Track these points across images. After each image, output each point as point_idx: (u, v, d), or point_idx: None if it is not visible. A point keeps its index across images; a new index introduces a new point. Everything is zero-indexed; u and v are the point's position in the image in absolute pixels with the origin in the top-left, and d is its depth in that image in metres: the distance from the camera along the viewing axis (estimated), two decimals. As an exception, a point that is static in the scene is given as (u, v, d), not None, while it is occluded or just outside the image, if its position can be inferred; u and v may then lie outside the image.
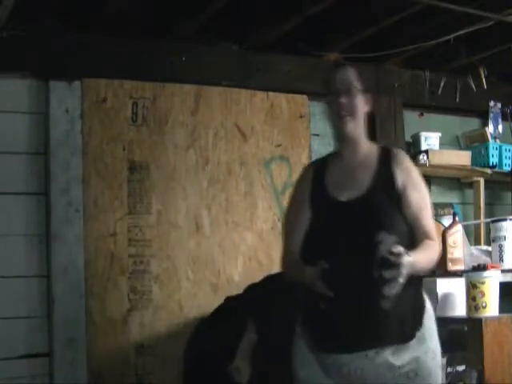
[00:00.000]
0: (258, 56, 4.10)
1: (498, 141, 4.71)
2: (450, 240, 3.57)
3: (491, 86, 4.69)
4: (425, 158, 4.35)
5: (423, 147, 4.44)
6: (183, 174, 3.89)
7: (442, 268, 3.61)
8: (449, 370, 3.45)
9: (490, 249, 3.80)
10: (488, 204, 4.74)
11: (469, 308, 3.25)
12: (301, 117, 4.18)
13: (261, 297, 3.10)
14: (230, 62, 4.04)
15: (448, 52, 4.28)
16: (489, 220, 4.12)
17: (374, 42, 4.14)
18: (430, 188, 4.61)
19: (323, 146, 4.10)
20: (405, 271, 2.18)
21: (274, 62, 4.13)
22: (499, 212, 4.72)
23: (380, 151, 2.54)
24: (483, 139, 4.69)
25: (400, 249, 2.19)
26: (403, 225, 2.41)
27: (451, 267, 3.56)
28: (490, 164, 4.59)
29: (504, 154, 4.63)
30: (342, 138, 2.55)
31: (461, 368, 3.39)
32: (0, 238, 3.52)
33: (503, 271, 3.47)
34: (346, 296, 2.29)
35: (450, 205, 4.60)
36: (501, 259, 3.64)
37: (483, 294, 3.19)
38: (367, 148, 2.55)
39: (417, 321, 2.41)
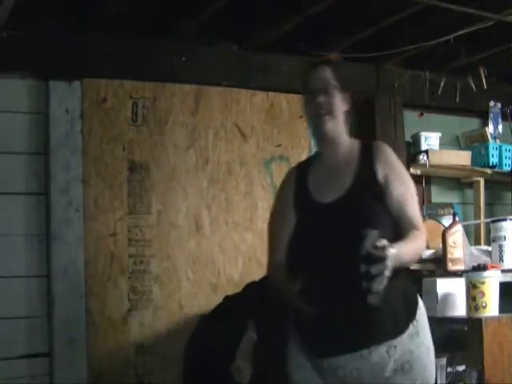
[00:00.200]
0: (258, 56, 4.10)
1: (498, 141, 4.71)
2: (449, 240, 3.58)
3: (491, 86, 4.69)
4: (425, 157, 4.36)
5: (423, 147, 4.44)
6: (183, 174, 3.89)
7: (442, 268, 3.61)
8: (449, 370, 3.46)
9: (490, 249, 3.80)
10: (488, 204, 4.74)
11: (469, 308, 3.25)
12: (301, 117, 4.17)
13: (260, 296, 3.09)
14: (230, 62, 4.04)
15: (448, 52, 4.28)
16: (489, 220, 4.12)
17: (373, 42, 4.14)
18: (430, 188, 4.65)
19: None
20: (390, 264, 2.14)
21: (274, 62, 4.13)
22: (499, 212, 4.72)
23: (361, 147, 2.52)
24: (483, 139, 4.69)
25: (384, 242, 2.15)
26: (388, 218, 2.39)
27: (451, 267, 3.56)
28: (490, 164, 4.59)
29: (504, 153, 4.63)
30: (321, 137, 2.53)
31: (461, 368, 3.39)
32: (0, 238, 3.52)
33: (503, 271, 3.47)
34: (330, 303, 2.27)
35: (450, 205, 4.60)
36: (501, 259, 3.64)
37: (483, 294, 3.19)
38: (349, 146, 2.54)
39: (410, 313, 2.39)
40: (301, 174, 2.59)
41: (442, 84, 4.56)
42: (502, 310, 3.26)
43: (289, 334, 2.51)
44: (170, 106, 3.88)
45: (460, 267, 3.55)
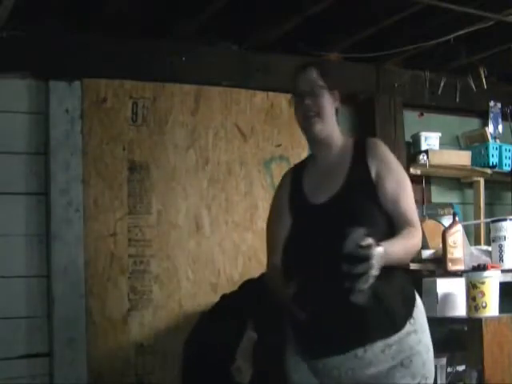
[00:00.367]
0: (258, 56, 4.10)
1: (498, 141, 4.71)
2: (449, 240, 3.58)
3: (491, 86, 4.69)
4: (425, 157, 4.36)
5: (423, 147, 4.44)
6: (183, 174, 3.89)
7: (442, 268, 3.61)
8: (449, 370, 3.46)
9: (490, 249, 3.80)
10: (488, 204, 4.74)
11: (469, 308, 3.26)
12: (301, 117, 4.17)
13: (258, 294, 3.09)
14: (230, 61, 4.04)
15: (448, 52, 4.28)
16: (489, 220, 4.13)
17: (374, 42, 4.14)
18: (430, 188, 4.65)
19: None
20: (376, 262, 2.12)
21: (274, 62, 4.12)
22: (499, 212, 4.72)
23: (355, 145, 2.51)
24: (483, 139, 4.69)
25: (369, 241, 2.13)
26: (380, 216, 2.37)
27: (451, 267, 3.56)
28: (490, 164, 4.59)
29: (504, 153, 4.63)
30: (312, 139, 2.55)
31: (461, 368, 3.40)
32: (0, 238, 3.52)
33: (503, 271, 3.48)
34: (322, 304, 2.28)
35: (450, 205, 4.60)
36: (501, 259, 3.64)
37: (483, 294, 3.20)
38: (342, 144, 2.53)
39: (406, 311, 2.37)
40: (296, 175, 2.60)
41: (441, 84, 4.56)
42: (502, 310, 3.27)
43: (287, 333, 2.51)
44: (170, 106, 3.88)
45: (460, 267, 3.55)
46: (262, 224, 3.98)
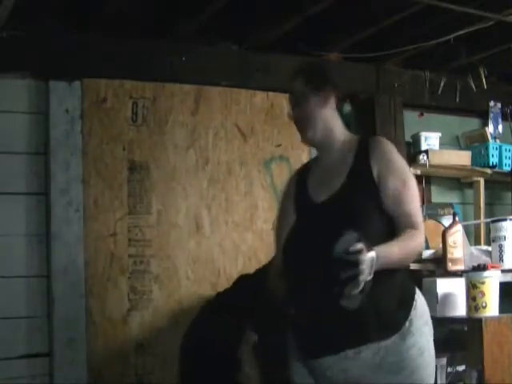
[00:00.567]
0: (258, 56, 4.10)
1: (498, 141, 4.71)
2: (449, 240, 3.57)
3: (491, 86, 4.69)
4: (425, 157, 4.35)
5: (423, 147, 4.44)
6: (183, 174, 3.89)
7: (442, 268, 3.61)
8: (449, 370, 3.46)
9: (490, 249, 3.80)
10: (488, 204, 4.74)
11: (469, 308, 3.25)
12: (301, 117, 4.17)
13: (254, 290, 3.08)
14: (229, 62, 4.04)
15: (448, 52, 4.28)
16: (489, 220, 4.12)
17: (374, 42, 4.14)
18: (430, 188, 4.65)
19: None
20: (366, 268, 2.10)
21: (274, 62, 4.12)
22: (499, 212, 4.72)
23: (359, 143, 2.48)
24: (483, 139, 4.69)
25: (358, 246, 2.11)
26: (381, 217, 2.34)
27: (451, 267, 3.56)
28: (490, 164, 4.59)
29: (504, 153, 4.63)
30: (309, 144, 2.62)
31: (461, 368, 3.40)
32: (0, 238, 3.52)
33: (503, 271, 3.47)
34: (315, 304, 2.28)
35: (450, 205, 4.60)
36: (501, 259, 3.64)
37: (483, 294, 3.20)
38: (346, 142, 2.50)
39: (401, 314, 2.34)
40: (302, 175, 2.60)
41: (442, 84, 4.56)
42: (502, 310, 3.26)
43: (287, 333, 2.52)
44: (169, 106, 3.88)
45: (460, 267, 3.55)
46: (261, 224, 3.99)
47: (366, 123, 4.36)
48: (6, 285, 3.50)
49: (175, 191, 3.86)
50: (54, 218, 3.59)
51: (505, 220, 3.73)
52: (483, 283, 3.20)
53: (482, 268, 3.27)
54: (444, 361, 3.48)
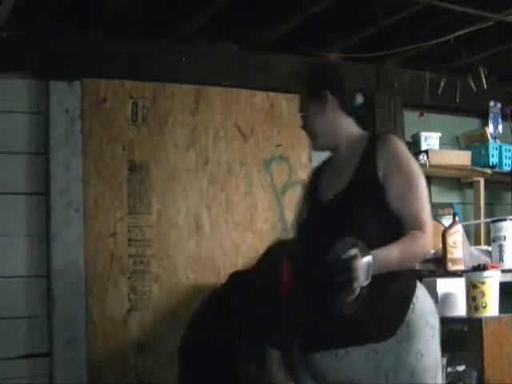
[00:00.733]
0: (258, 56, 4.10)
1: (498, 141, 4.71)
2: (449, 240, 3.57)
3: (491, 86, 4.69)
4: (425, 158, 4.35)
5: (423, 147, 4.44)
6: (183, 174, 3.89)
7: (442, 268, 3.61)
8: (449, 370, 3.46)
9: (490, 249, 3.80)
10: (488, 204, 4.74)
11: (469, 308, 3.25)
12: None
13: (248, 287, 3.06)
14: (229, 61, 4.04)
15: (448, 52, 4.28)
16: (489, 220, 4.12)
17: (373, 42, 4.14)
18: (430, 188, 4.64)
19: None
20: (359, 274, 2.10)
21: (274, 62, 4.12)
22: (499, 212, 4.72)
23: (368, 141, 2.45)
24: (483, 139, 4.69)
25: (352, 252, 2.11)
26: (385, 217, 2.32)
27: (451, 267, 3.55)
28: (490, 164, 4.59)
29: (504, 153, 4.63)
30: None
31: (461, 368, 3.39)
32: (0, 238, 3.52)
33: (503, 271, 3.47)
34: (311, 301, 2.30)
35: (450, 205, 4.60)
36: (501, 259, 3.64)
37: (483, 294, 3.19)
38: (355, 140, 2.49)
39: (397, 318, 2.30)
40: (316, 174, 2.61)
41: (442, 84, 4.56)
42: (502, 310, 3.26)
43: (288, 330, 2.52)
44: (170, 106, 3.88)
45: (460, 267, 3.55)
46: (261, 224, 3.99)
47: (366, 123, 4.36)
48: (6, 285, 3.50)
49: (175, 191, 3.86)
50: (54, 217, 3.59)
51: (505, 220, 3.72)
52: (483, 283, 3.20)
53: (482, 268, 3.27)
54: (444, 361, 3.48)
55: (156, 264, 3.77)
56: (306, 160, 4.14)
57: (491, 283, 3.22)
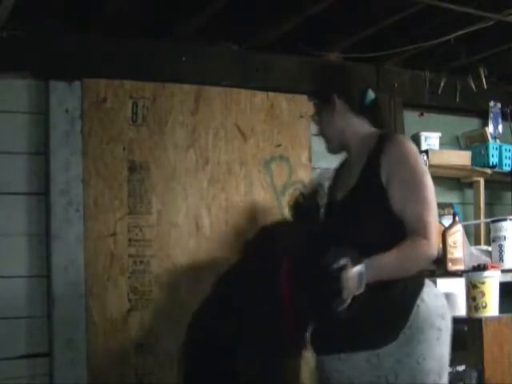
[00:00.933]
0: (258, 56, 4.10)
1: (498, 141, 4.71)
2: (450, 240, 3.58)
3: (491, 86, 4.69)
4: (425, 158, 4.35)
5: (423, 147, 4.44)
6: (183, 174, 3.89)
7: (442, 268, 3.61)
8: (449, 369, 3.46)
9: (490, 249, 3.80)
10: (488, 204, 4.74)
11: (469, 308, 3.25)
12: (301, 117, 4.18)
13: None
14: (229, 61, 4.04)
15: (448, 52, 4.28)
16: (489, 220, 4.12)
17: (374, 42, 4.14)
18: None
19: (323, 146, 4.09)
20: (349, 285, 2.12)
21: (274, 62, 4.12)
22: (499, 212, 4.72)
23: (377, 141, 2.43)
24: (483, 139, 4.69)
25: (341, 262, 2.13)
26: (387, 221, 2.30)
27: (451, 267, 3.56)
28: (490, 164, 4.59)
29: (504, 153, 4.63)
30: None
31: (461, 368, 3.39)
32: (0, 238, 3.52)
33: (503, 271, 3.47)
34: (308, 301, 2.30)
35: (450, 205, 4.60)
36: (501, 259, 3.64)
37: (483, 294, 3.20)
38: (361, 142, 2.47)
39: (399, 323, 2.28)
40: (334, 175, 2.64)
41: (442, 84, 4.56)
42: (502, 310, 3.26)
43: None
44: (170, 106, 3.88)
45: (460, 267, 3.55)
46: (261, 224, 3.98)
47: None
48: (6, 285, 3.50)
49: (175, 191, 3.86)
50: (54, 217, 3.59)
51: (505, 220, 3.73)
52: (483, 283, 3.20)
53: (482, 268, 3.27)
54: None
55: (156, 264, 3.77)
56: (306, 160, 4.14)
57: (491, 283, 3.22)
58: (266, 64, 4.11)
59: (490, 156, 4.58)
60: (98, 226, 3.67)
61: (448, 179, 4.72)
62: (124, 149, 3.77)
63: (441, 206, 4.58)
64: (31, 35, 3.56)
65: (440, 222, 4.16)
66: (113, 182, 3.72)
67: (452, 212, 4.03)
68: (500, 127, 4.78)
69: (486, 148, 4.60)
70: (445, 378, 2.36)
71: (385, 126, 2.53)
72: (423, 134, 4.48)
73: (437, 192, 4.87)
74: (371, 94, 2.54)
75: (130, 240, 3.73)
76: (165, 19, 3.78)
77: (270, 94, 4.13)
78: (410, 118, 4.57)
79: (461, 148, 4.77)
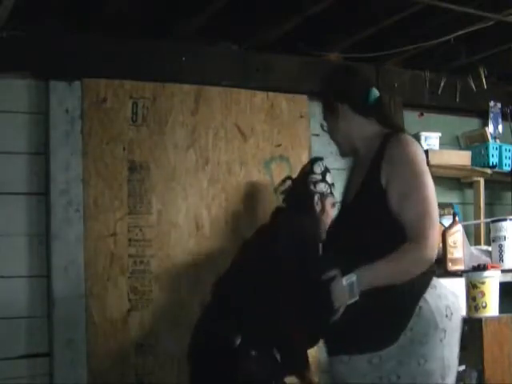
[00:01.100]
0: (258, 56, 4.10)
1: (498, 141, 4.71)
2: (450, 240, 3.58)
3: (491, 86, 4.69)
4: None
5: (423, 147, 4.42)
6: (183, 174, 3.89)
7: (442, 268, 3.61)
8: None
9: (490, 249, 3.80)
10: (488, 204, 4.74)
11: (469, 308, 3.25)
12: (301, 117, 4.18)
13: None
14: (230, 61, 4.04)
15: (448, 52, 4.28)
16: (489, 220, 4.12)
17: (373, 42, 4.14)
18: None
19: (323, 146, 4.09)
20: (339, 296, 2.17)
21: (274, 62, 4.13)
22: (499, 212, 4.72)
23: (381, 141, 2.40)
24: (483, 139, 4.69)
25: (331, 273, 2.17)
26: (384, 225, 2.28)
27: (451, 267, 3.56)
28: (490, 164, 4.59)
29: (504, 153, 4.63)
30: None
31: (461, 368, 3.39)
32: (0, 238, 3.52)
33: (503, 271, 3.47)
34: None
35: (450, 205, 4.60)
36: (501, 259, 3.64)
37: (483, 294, 3.20)
38: (368, 143, 2.45)
39: (399, 325, 2.26)
40: (348, 176, 2.64)
41: (442, 84, 4.56)
42: (502, 310, 3.27)
43: None
44: (170, 106, 3.88)
45: (460, 267, 3.55)
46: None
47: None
48: (6, 285, 3.50)
49: (175, 191, 3.86)
50: (54, 217, 3.59)
51: (505, 220, 3.73)
52: (483, 283, 3.21)
53: (482, 268, 3.28)
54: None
55: (156, 264, 3.77)
56: (305, 160, 4.13)
57: (491, 283, 3.22)
58: (266, 64, 4.11)
59: (490, 156, 4.57)
60: (98, 226, 3.67)
61: (448, 179, 4.72)
62: (124, 149, 3.77)
63: (441, 205, 4.55)
64: (31, 35, 3.56)
65: (440, 222, 4.16)
66: (113, 182, 3.73)
67: (452, 212, 4.03)
68: (500, 127, 4.78)
69: (486, 148, 4.60)
70: (450, 379, 2.34)
71: (394, 125, 2.50)
72: (423, 134, 4.48)
73: (437, 192, 4.86)
74: (375, 92, 2.53)
75: (129, 240, 3.73)
76: (165, 19, 3.78)
77: (270, 93, 4.13)
78: (410, 118, 4.57)
79: (461, 148, 4.77)
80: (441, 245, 3.64)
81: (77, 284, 3.59)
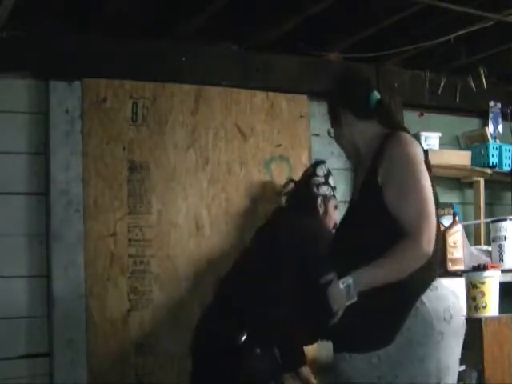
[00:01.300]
0: (258, 56, 4.10)
1: (498, 141, 4.71)
2: (450, 240, 3.58)
3: (491, 86, 4.69)
4: (425, 158, 4.35)
5: (423, 147, 4.43)
6: (183, 174, 3.89)
7: (442, 268, 3.61)
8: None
9: (490, 249, 3.80)
10: (488, 204, 4.74)
11: (469, 308, 3.26)
12: (301, 117, 4.18)
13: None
14: (230, 61, 4.04)
15: (448, 52, 4.28)
16: (489, 220, 4.13)
17: (374, 42, 4.14)
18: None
19: (323, 146, 4.10)
20: (336, 299, 2.21)
21: (274, 62, 4.12)
22: (499, 212, 4.72)
23: (381, 141, 2.42)
24: (483, 139, 4.69)
25: (328, 277, 2.21)
26: (381, 224, 2.30)
27: (451, 267, 3.56)
28: (490, 164, 4.59)
29: (504, 153, 4.63)
30: None
31: (461, 368, 3.39)
32: (0, 238, 3.52)
33: (503, 271, 3.48)
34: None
35: (450, 205, 4.60)
36: (501, 259, 3.65)
37: (483, 294, 3.20)
38: (369, 144, 2.47)
39: (395, 325, 2.27)
40: (353, 177, 2.69)
41: (442, 84, 4.56)
42: (502, 310, 3.27)
43: None
44: (170, 106, 3.88)
45: (460, 267, 3.55)
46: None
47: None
48: (6, 285, 3.50)
49: (175, 191, 3.86)
50: (54, 218, 3.59)
51: (505, 220, 3.73)
52: (483, 283, 3.21)
53: (482, 268, 3.28)
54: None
55: (156, 264, 3.77)
56: (305, 160, 4.14)
57: (491, 283, 3.22)
58: (266, 64, 4.11)
59: (490, 156, 4.57)
60: (98, 225, 3.67)
61: (448, 179, 4.72)
62: (124, 149, 3.77)
63: (441, 205, 4.56)
64: (31, 35, 3.56)
65: (440, 222, 4.16)
66: (113, 182, 3.72)
67: (452, 212, 4.03)
68: (500, 127, 4.78)
69: (486, 148, 4.60)
70: (448, 380, 2.35)
71: (395, 125, 2.52)
72: (423, 134, 4.48)
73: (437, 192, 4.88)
74: (376, 95, 2.54)
75: (130, 240, 3.73)
76: (165, 19, 3.78)
77: (270, 93, 4.13)
78: (410, 118, 4.57)
79: (461, 148, 4.77)
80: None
81: (77, 284, 3.59)
